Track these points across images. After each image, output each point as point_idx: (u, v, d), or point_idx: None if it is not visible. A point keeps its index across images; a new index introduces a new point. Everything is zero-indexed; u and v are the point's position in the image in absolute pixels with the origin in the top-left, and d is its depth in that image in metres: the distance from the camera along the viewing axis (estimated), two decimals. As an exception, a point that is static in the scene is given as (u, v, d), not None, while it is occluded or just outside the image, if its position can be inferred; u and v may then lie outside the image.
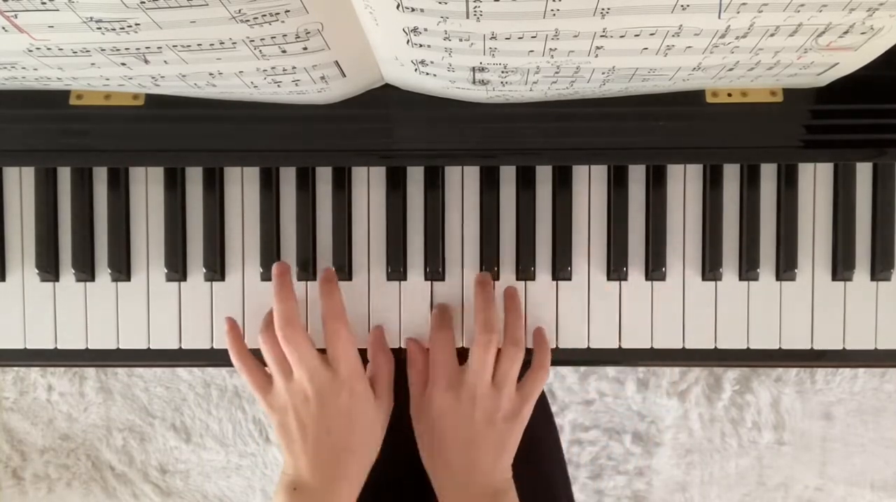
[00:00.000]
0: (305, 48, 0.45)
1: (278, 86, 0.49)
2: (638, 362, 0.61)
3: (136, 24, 0.41)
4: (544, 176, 0.60)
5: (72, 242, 0.60)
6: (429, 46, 0.44)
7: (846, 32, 0.43)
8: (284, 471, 0.56)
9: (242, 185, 0.60)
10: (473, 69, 0.47)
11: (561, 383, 1.26)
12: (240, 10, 0.40)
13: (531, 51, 0.44)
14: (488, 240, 0.59)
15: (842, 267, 0.59)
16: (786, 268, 0.59)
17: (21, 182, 0.60)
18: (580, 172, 0.59)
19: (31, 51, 0.44)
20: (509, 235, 0.60)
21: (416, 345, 0.58)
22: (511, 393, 0.56)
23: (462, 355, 0.58)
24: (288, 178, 0.60)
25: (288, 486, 0.54)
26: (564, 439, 1.26)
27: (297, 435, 0.55)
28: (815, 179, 0.59)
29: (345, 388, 0.55)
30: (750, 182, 0.59)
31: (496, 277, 0.59)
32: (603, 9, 0.39)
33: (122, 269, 0.59)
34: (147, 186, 0.60)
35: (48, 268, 0.59)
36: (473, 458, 0.55)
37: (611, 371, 1.25)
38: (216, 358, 0.60)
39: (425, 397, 0.57)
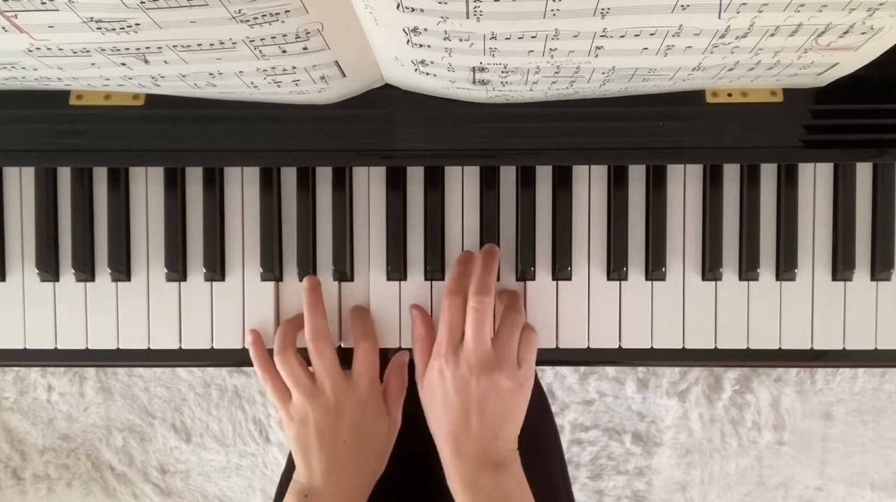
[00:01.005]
0: (305, 48, 0.45)
1: (278, 86, 0.49)
2: (638, 362, 0.61)
3: (136, 25, 0.41)
4: (544, 176, 0.60)
5: (72, 242, 0.60)
6: (429, 46, 0.44)
7: (846, 32, 0.43)
8: (296, 479, 0.57)
9: (242, 185, 0.60)
10: (473, 69, 0.47)
11: (561, 383, 1.26)
12: (240, 11, 0.40)
13: (531, 51, 0.44)
14: (488, 240, 0.59)
15: (842, 267, 0.59)
16: (786, 268, 0.59)
17: (21, 182, 0.60)
18: (580, 172, 0.59)
19: (31, 51, 0.44)
20: (509, 235, 0.60)
21: (421, 315, 0.59)
22: (512, 359, 0.56)
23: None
24: (288, 178, 0.60)
25: (299, 494, 0.56)
26: (564, 439, 1.26)
27: (314, 444, 0.56)
28: (815, 179, 0.59)
29: (363, 403, 0.57)
30: (750, 182, 0.59)
31: (496, 277, 0.59)
32: (603, 9, 0.39)
33: (122, 269, 0.59)
34: (147, 186, 0.60)
35: (48, 268, 0.59)
36: (474, 424, 0.54)
37: (611, 371, 1.25)
38: (216, 358, 0.60)
39: (429, 363, 0.57)
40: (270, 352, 0.58)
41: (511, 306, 0.57)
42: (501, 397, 0.55)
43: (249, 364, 0.59)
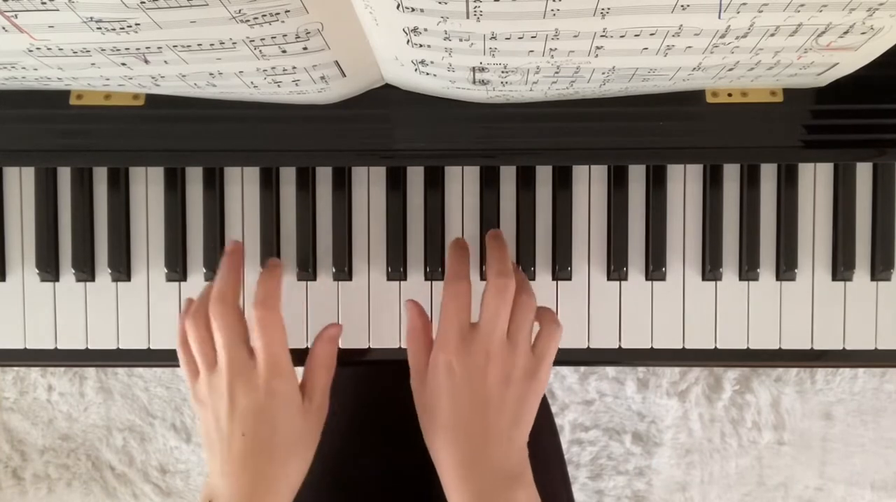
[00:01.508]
0: (305, 48, 0.45)
1: (278, 86, 0.49)
2: (638, 362, 0.61)
3: (136, 25, 0.41)
4: (544, 176, 0.60)
5: (72, 242, 0.60)
6: (429, 46, 0.44)
7: (846, 32, 0.43)
8: (206, 481, 0.50)
9: (242, 185, 0.60)
10: (473, 69, 0.47)
11: (561, 383, 1.26)
12: (240, 11, 0.40)
13: (531, 51, 0.44)
14: (488, 240, 0.59)
15: (842, 267, 0.59)
16: (786, 268, 0.59)
17: (21, 182, 0.60)
18: (580, 172, 0.59)
19: (31, 51, 0.44)
20: (509, 235, 0.60)
21: (417, 309, 0.54)
22: (527, 350, 0.50)
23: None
24: (288, 178, 0.60)
25: (205, 498, 0.49)
26: (564, 439, 1.26)
27: (213, 434, 0.50)
28: (815, 179, 0.59)
29: (263, 388, 0.49)
30: (750, 182, 0.59)
31: None
32: (603, 9, 0.39)
33: (122, 269, 0.59)
34: (147, 186, 0.60)
35: (48, 268, 0.59)
36: (486, 426, 0.48)
37: (611, 371, 1.25)
38: (216, 358, 0.60)
39: (430, 360, 0.50)
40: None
41: (522, 288, 0.52)
42: (516, 393, 0.49)
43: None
